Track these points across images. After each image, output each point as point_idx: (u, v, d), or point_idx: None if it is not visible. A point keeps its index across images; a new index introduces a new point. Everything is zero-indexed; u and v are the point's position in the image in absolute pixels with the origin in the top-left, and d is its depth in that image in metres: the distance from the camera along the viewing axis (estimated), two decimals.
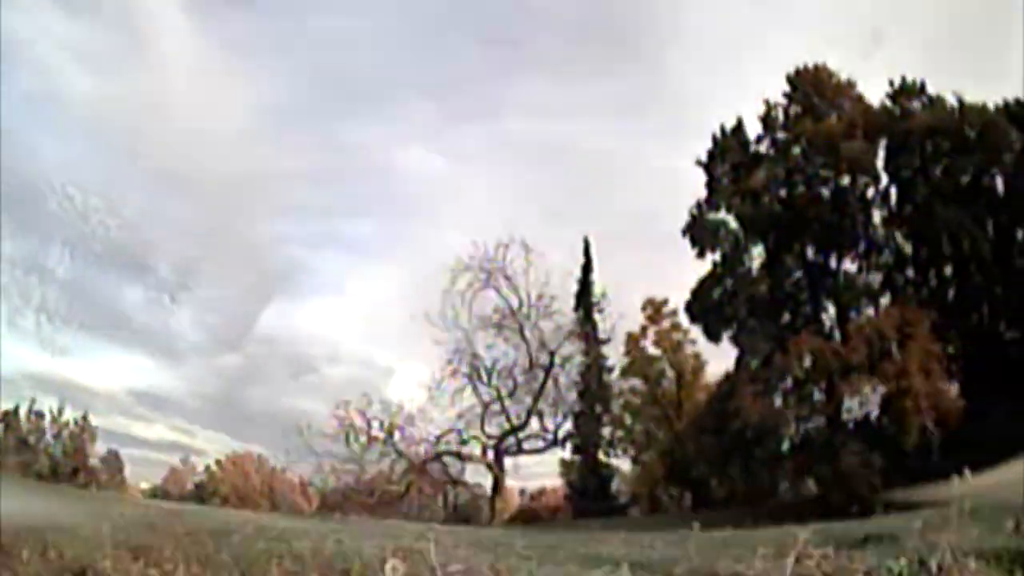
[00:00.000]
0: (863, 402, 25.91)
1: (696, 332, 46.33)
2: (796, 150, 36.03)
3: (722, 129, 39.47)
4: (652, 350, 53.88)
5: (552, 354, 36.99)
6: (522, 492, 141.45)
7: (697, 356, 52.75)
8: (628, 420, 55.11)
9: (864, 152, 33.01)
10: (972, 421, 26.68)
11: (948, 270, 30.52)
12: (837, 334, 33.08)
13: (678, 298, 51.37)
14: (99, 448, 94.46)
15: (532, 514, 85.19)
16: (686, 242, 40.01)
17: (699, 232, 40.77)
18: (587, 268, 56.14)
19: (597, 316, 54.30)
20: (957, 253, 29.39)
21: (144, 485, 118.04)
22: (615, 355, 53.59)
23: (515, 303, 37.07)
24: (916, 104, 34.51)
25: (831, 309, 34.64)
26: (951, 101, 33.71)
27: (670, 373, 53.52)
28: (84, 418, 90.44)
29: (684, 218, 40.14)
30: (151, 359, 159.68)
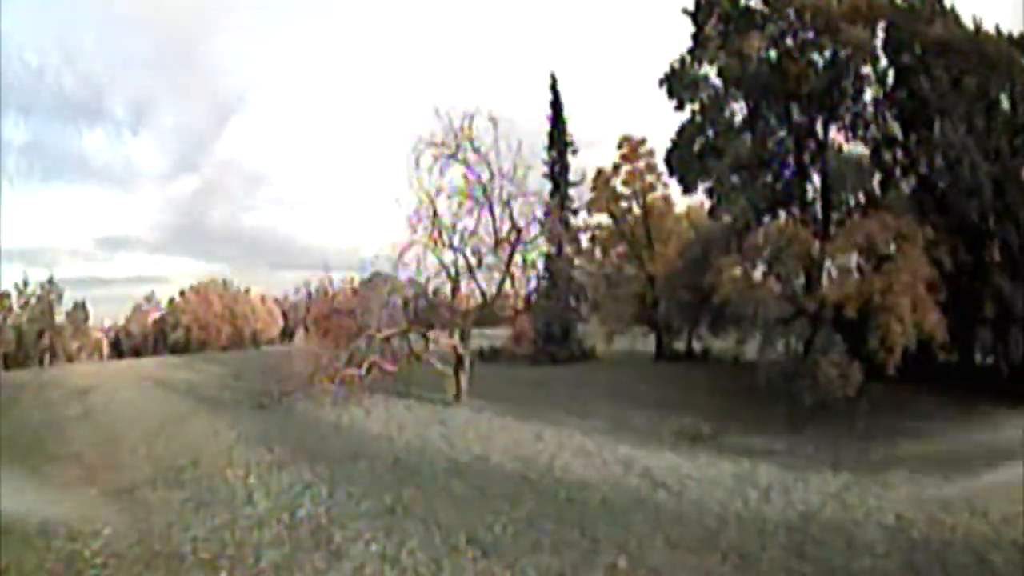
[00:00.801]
0: (842, 306, 26.09)
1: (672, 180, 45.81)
2: (791, 14, 33.07)
3: None
4: (622, 189, 53.29)
5: (519, 231, 35.97)
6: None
7: (667, 199, 52.56)
8: (597, 254, 56.02)
9: (865, 39, 30.59)
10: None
11: (938, 160, 29.77)
12: (819, 209, 32.73)
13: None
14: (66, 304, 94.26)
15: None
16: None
17: (677, 84, 38.26)
18: (556, 104, 53.80)
19: (571, 157, 52.86)
20: (949, 150, 28.46)
21: (107, 323, 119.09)
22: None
23: (485, 176, 35.30)
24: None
25: (816, 179, 33.81)
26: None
27: (637, 211, 53.27)
28: (50, 281, 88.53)
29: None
30: (113, 199, 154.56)
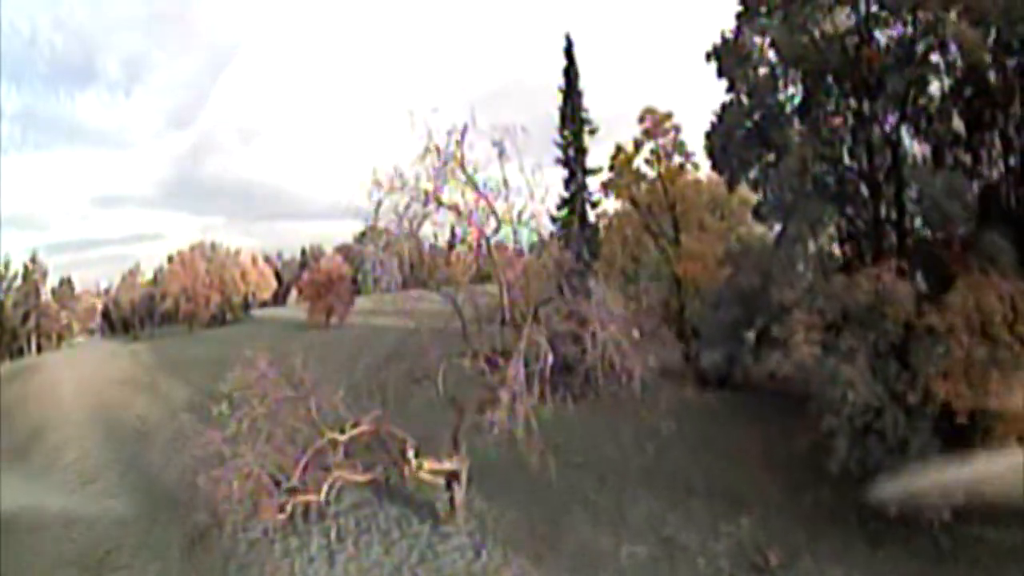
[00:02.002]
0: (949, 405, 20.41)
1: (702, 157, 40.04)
2: None
3: None
4: (646, 169, 46.72)
5: None
6: None
7: (698, 183, 46.25)
8: (615, 244, 49.76)
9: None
10: None
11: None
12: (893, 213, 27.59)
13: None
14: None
15: None
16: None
17: (729, 59, 32.27)
18: (571, 73, 46.34)
19: (587, 138, 45.85)
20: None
21: (104, 283, 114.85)
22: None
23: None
24: None
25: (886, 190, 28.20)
26: None
27: (662, 197, 46.76)
28: (33, 259, 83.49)
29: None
30: (107, 160, 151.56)
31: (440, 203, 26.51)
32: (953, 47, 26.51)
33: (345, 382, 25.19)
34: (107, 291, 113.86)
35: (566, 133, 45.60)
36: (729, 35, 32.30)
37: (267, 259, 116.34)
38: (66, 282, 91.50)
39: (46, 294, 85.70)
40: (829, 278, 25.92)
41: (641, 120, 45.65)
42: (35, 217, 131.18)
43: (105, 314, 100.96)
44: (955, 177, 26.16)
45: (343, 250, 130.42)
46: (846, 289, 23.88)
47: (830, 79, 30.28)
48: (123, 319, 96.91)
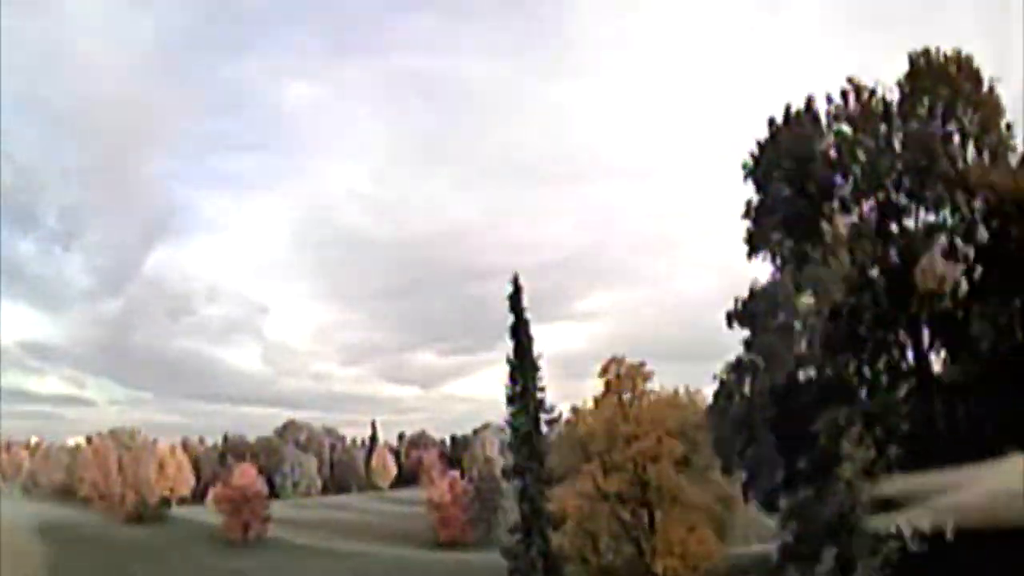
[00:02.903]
0: None
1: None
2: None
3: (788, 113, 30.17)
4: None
5: None
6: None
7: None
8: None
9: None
10: None
11: None
12: None
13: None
14: None
15: None
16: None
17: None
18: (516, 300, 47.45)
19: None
20: None
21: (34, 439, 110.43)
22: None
23: None
24: None
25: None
26: None
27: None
28: None
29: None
30: (40, 310, 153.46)
31: None
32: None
33: None
34: (35, 447, 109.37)
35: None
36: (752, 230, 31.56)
37: (185, 447, 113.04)
38: None
39: None
40: None
41: (603, 373, 43.42)
42: None
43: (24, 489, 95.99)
44: None
45: (263, 445, 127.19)
46: None
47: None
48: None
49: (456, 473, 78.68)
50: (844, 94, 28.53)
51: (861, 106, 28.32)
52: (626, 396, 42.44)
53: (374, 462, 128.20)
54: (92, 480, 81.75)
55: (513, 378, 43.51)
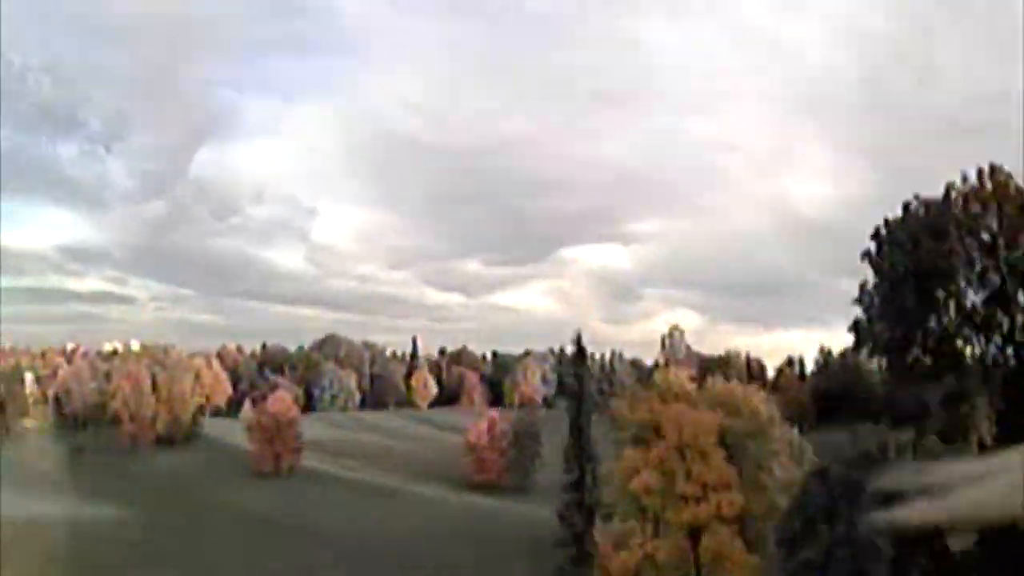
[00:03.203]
0: None
1: None
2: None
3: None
4: None
5: None
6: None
7: None
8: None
9: None
10: None
11: None
12: None
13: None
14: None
15: None
16: None
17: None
18: None
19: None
20: None
21: (70, 345, 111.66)
22: None
23: None
24: None
25: None
26: None
27: None
28: None
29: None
30: (82, 214, 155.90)
31: None
32: None
33: None
34: (71, 352, 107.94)
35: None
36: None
37: (221, 358, 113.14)
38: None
39: None
40: None
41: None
42: (10, 261, 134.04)
43: (57, 399, 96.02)
44: None
45: (301, 359, 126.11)
46: None
47: None
48: (73, 415, 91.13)
49: (495, 413, 74.53)
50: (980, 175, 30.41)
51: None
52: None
53: (414, 382, 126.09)
54: (124, 398, 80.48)
55: None
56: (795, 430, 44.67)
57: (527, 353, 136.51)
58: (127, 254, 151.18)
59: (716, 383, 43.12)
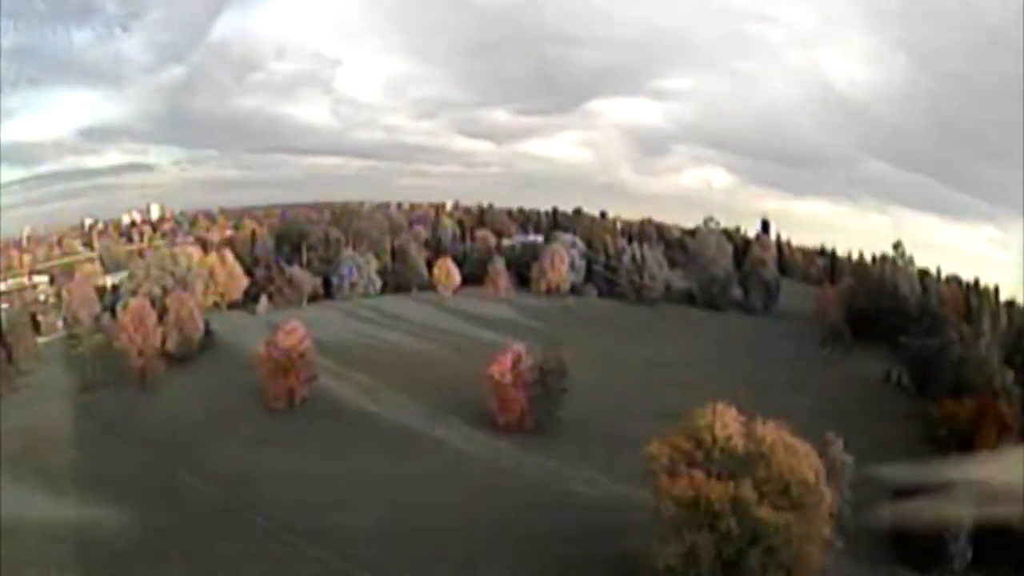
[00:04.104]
0: None
1: None
2: None
3: None
4: None
5: None
6: None
7: None
8: None
9: None
10: None
11: None
12: None
13: None
14: None
15: None
16: None
17: None
18: None
19: None
20: None
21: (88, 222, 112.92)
22: None
23: None
24: None
25: None
26: None
27: None
28: None
29: None
30: (99, 93, 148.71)
31: None
32: None
33: None
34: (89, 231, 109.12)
35: None
36: None
37: (233, 246, 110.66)
38: None
39: None
40: None
41: None
42: (27, 151, 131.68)
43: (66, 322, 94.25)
44: None
45: (320, 238, 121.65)
46: None
47: None
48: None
49: (521, 347, 68.80)
50: None
51: None
52: None
53: (437, 270, 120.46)
54: (129, 337, 76.49)
55: None
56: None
57: (555, 237, 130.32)
58: (147, 125, 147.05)
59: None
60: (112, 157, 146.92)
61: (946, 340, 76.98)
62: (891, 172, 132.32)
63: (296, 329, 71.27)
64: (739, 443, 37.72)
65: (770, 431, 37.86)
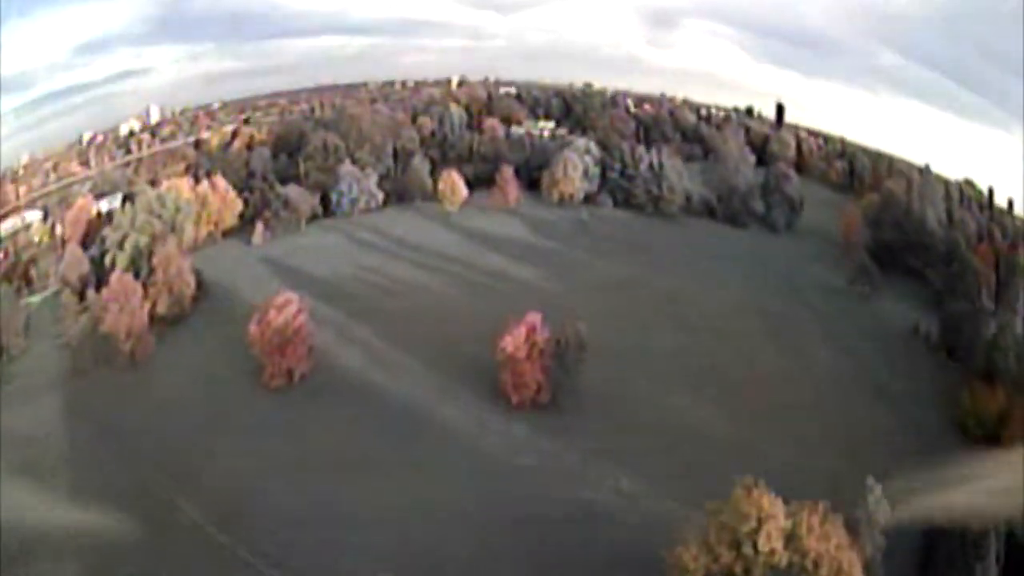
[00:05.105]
0: None
1: None
2: None
3: None
4: None
5: None
6: None
7: None
8: None
9: None
10: None
11: None
12: None
13: None
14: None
15: None
16: None
17: None
18: None
19: None
20: None
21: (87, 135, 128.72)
22: None
23: None
24: None
25: None
26: None
27: None
28: None
29: None
30: (89, 7, 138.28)
31: None
32: None
33: None
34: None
35: None
36: None
37: (224, 172, 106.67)
38: None
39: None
40: None
41: None
42: (20, 77, 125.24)
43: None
44: None
45: (318, 149, 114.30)
46: None
47: None
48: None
49: (536, 319, 63.77)
50: None
51: None
52: None
53: (442, 185, 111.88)
54: (113, 320, 71.10)
55: None
56: None
57: (567, 143, 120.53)
58: (140, 29, 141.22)
59: None
60: (106, 66, 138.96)
61: (980, 306, 75.44)
62: (908, 66, 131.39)
63: (288, 303, 66.25)
64: (783, 558, 33.91)
65: (814, 542, 33.90)
